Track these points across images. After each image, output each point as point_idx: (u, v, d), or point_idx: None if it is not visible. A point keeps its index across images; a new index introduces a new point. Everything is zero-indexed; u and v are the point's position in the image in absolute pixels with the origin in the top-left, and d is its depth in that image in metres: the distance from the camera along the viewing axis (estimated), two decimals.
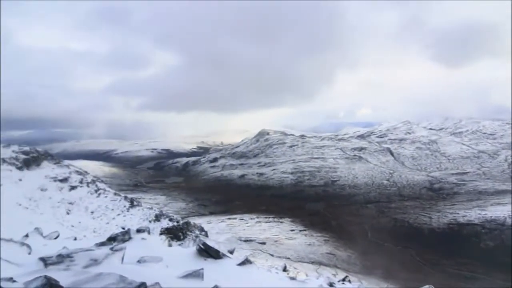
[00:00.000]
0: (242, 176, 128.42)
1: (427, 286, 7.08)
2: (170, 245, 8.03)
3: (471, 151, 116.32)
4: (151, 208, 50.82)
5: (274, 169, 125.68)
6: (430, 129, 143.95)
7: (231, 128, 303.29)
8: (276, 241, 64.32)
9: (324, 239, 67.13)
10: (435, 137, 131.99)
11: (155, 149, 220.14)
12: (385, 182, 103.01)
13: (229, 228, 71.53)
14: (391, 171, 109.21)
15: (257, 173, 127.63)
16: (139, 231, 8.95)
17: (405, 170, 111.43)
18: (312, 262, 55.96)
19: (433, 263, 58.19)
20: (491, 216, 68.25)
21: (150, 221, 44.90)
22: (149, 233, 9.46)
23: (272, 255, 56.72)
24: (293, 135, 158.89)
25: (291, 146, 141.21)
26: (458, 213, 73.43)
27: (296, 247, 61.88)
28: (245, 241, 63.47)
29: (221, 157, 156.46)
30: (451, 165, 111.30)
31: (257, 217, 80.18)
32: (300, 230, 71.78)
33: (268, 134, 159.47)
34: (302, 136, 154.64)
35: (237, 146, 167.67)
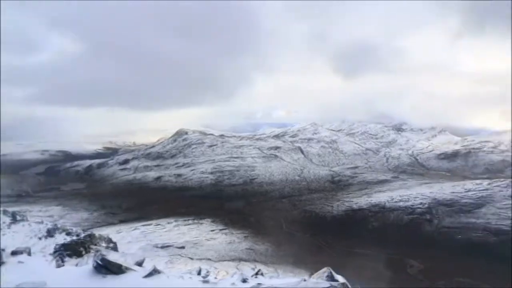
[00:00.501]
0: (158, 178, 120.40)
1: (324, 268, 7.84)
2: (59, 265, 6.61)
3: (361, 149, 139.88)
4: (41, 222, 42.02)
5: (193, 170, 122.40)
6: (331, 130, 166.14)
7: (146, 127, 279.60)
8: (196, 243, 62.73)
9: (243, 235, 69.15)
10: (335, 137, 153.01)
11: (46, 151, 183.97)
12: (297, 177, 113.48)
13: (144, 236, 65.87)
14: (302, 168, 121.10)
15: (174, 174, 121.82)
16: (14, 253, 7.14)
17: (313, 166, 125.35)
18: (233, 260, 56.88)
19: (334, 245, 67.32)
20: (375, 202, 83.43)
21: (40, 238, 36.98)
22: (29, 254, 7.61)
23: (191, 259, 55.02)
24: (212, 134, 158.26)
25: (210, 146, 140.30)
26: (352, 201, 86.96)
27: (217, 247, 61.78)
28: (162, 247, 59.59)
29: (133, 158, 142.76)
30: (347, 161, 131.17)
31: (176, 221, 76.47)
32: (221, 230, 72.03)
33: (186, 133, 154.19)
34: (222, 136, 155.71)
35: (152, 146, 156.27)
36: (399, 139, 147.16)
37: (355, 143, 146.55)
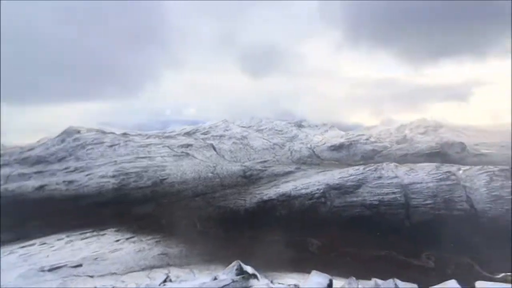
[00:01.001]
0: (41, 187, 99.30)
1: (234, 262, 8.24)
2: None
3: (269, 144, 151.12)
4: None
5: (89, 174, 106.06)
6: (242, 126, 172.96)
7: (21, 126, 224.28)
8: (97, 258, 54.93)
9: (155, 241, 64.73)
10: (245, 133, 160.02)
11: None
12: (210, 175, 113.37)
13: (24, 260, 53.35)
14: (214, 165, 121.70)
15: (64, 181, 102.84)
16: None
17: (225, 163, 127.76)
18: (143, 269, 52.49)
19: (247, 237, 70.84)
20: (282, 191, 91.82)
21: None
22: None
23: (91, 277, 47.94)
24: (113, 133, 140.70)
25: (111, 146, 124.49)
26: (262, 193, 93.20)
27: (123, 258, 55.73)
28: (50, 270, 49.63)
29: (3, 165, 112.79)
30: (257, 156, 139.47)
31: (68, 236, 64.92)
32: (127, 238, 65.25)
33: (78, 132, 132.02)
34: (125, 134, 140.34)
35: (31, 149, 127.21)
36: (300, 134, 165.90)
37: (264, 138, 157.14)
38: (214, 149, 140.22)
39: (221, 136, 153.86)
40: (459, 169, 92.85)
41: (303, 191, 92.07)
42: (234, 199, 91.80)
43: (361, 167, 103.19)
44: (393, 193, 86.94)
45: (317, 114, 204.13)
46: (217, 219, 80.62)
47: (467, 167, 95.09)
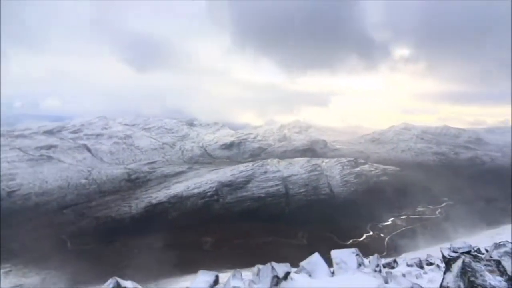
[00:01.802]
0: None
1: (110, 279, 7.70)
2: None
3: (158, 143, 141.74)
4: None
5: None
6: (125, 124, 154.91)
7: None
8: None
9: (4, 271, 49.76)
10: (129, 132, 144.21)
11: None
12: (83, 181, 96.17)
13: None
14: (90, 168, 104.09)
15: None
16: None
17: (104, 166, 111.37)
18: None
19: (134, 246, 64.48)
20: (174, 193, 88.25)
21: None
22: None
23: None
24: None
25: None
26: (151, 196, 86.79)
27: None
28: None
29: None
30: (144, 156, 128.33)
31: None
32: None
33: None
34: None
35: None
36: (191, 133, 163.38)
37: (152, 138, 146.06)
38: (89, 150, 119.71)
39: (98, 135, 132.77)
40: (323, 162, 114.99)
41: (196, 190, 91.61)
42: (116, 207, 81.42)
43: (250, 164, 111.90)
44: (276, 185, 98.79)
45: (209, 113, 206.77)
46: (97, 232, 69.52)
47: (328, 159, 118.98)
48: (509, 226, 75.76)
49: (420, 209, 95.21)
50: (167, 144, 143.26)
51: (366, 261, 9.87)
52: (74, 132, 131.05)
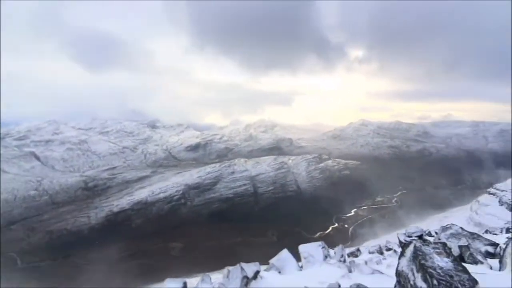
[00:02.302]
0: None
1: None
2: None
3: (117, 148, 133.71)
4: None
5: None
6: (79, 129, 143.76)
7: None
8: None
9: None
10: (84, 136, 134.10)
11: None
12: (32, 192, 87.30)
13: None
14: (40, 178, 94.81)
15: None
16: None
17: (57, 174, 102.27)
18: None
19: (97, 260, 60.15)
20: (137, 199, 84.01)
21: None
22: None
23: None
24: None
25: None
26: (112, 204, 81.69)
27: None
28: None
29: None
30: (102, 162, 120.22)
31: None
32: None
33: None
34: None
35: None
36: (154, 136, 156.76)
37: (110, 142, 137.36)
38: (38, 158, 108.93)
39: (47, 141, 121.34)
40: (289, 159, 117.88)
41: (162, 195, 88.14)
42: (72, 218, 75.15)
43: (217, 165, 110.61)
44: (244, 185, 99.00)
45: (172, 115, 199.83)
46: (49, 247, 63.47)
47: (294, 157, 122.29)
48: (454, 209, 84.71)
49: (378, 199, 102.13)
50: (128, 148, 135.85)
51: (332, 252, 10.32)
52: (20, 139, 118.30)
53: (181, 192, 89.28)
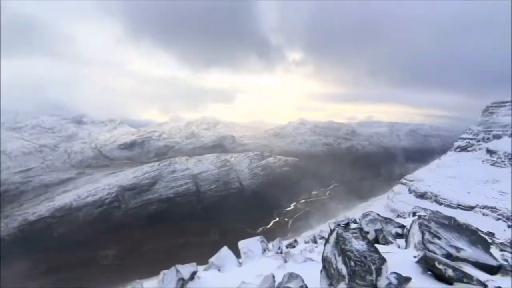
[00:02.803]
0: None
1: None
2: None
3: (33, 146, 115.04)
4: None
5: None
6: None
7: None
8: None
9: None
10: None
11: None
12: None
13: None
14: None
15: None
16: None
17: None
18: None
19: (6, 278, 50.99)
20: (59, 205, 73.82)
21: None
22: None
23: None
24: None
25: None
26: (28, 212, 70.26)
27: None
28: None
29: None
30: (14, 163, 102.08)
31: None
32: None
33: None
34: None
35: None
36: (80, 132, 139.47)
37: (24, 139, 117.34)
38: None
39: None
40: (232, 157, 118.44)
41: (90, 198, 79.04)
42: None
43: (156, 164, 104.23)
44: (186, 183, 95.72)
45: (102, 109, 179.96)
46: None
47: (236, 154, 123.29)
48: (375, 198, 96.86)
49: (314, 192, 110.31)
50: (47, 147, 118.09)
51: (270, 245, 10.72)
52: None
53: (114, 194, 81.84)
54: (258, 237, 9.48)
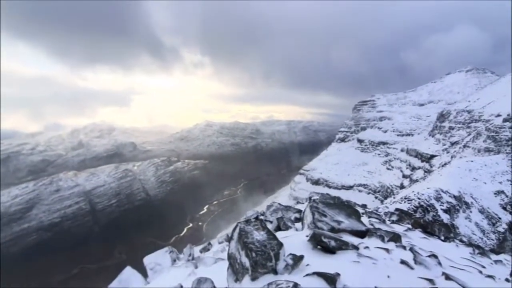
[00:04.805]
0: None
1: None
2: None
3: None
4: None
5: None
6: None
7: None
8: None
9: None
10: None
11: None
12: None
13: None
14: None
15: None
16: None
17: None
18: None
19: None
20: None
21: None
22: None
23: None
24: None
25: None
26: None
27: None
28: None
29: None
30: None
31: None
32: None
33: None
34: None
35: None
36: None
37: None
38: None
39: None
40: (134, 166, 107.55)
41: None
42: None
43: (31, 184, 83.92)
44: (77, 203, 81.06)
45: None
46: None
47: (139, 162, 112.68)
48: (281, 190, 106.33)
49: (226, 192, 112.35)
50: None
51: (182, 254, 10.24)
52: None
53: None
54: (166, 248, 8.87)
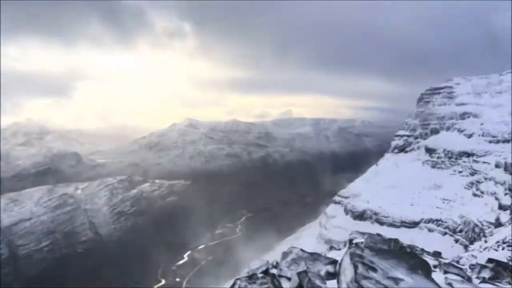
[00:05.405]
0: None
1: None
2: None
3: None
4: None
5: None
6: None
7: None
8: None
9: None
10: None
11: None
12: None
13: None
14: None
15: None
16: None
17: None
18: None
19: None
20: None
21: None
22: None
23: None
24: None
25: None
26: None
27: None
28: None
29: None
30: None
31: None
32: None
33: None
34: None
35: None
36: None
37: None
38: None
39: None
40: (77, 189, 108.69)
41: None
42: None
43: None
44: None
45: None
46: None
47: (85, 183, 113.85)
48: (304, 227, 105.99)
49: (219, 231, 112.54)
50: None
51: None
52: None
53: None
54: None
